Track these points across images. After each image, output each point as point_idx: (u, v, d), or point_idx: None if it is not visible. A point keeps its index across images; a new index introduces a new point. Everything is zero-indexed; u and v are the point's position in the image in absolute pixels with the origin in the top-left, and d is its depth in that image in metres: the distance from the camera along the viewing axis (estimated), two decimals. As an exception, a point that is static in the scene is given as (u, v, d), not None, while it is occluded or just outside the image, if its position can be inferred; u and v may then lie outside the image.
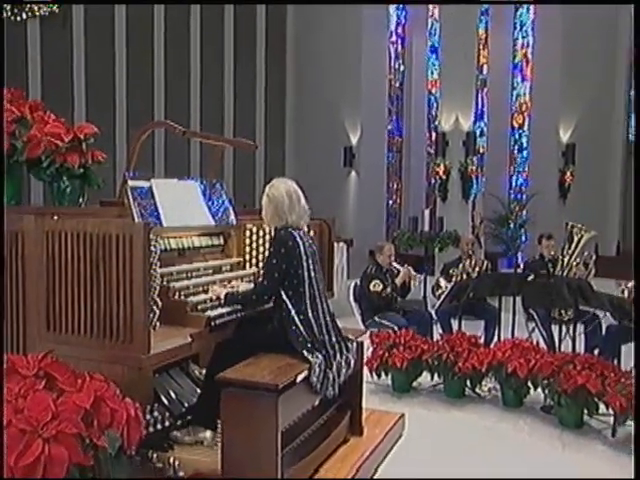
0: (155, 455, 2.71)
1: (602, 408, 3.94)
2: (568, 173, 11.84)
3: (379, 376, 4.72)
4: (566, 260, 5.82)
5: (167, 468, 2.68)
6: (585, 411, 4.02)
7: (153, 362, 2.57)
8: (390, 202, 13.70)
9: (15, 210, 3.04)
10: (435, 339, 5.08)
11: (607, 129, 12.15)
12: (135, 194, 3.11)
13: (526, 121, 13.06)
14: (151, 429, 2.74)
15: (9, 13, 9.60)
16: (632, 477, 2.51)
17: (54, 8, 10.10)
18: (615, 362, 4.59)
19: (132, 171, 3.20)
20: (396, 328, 5.20)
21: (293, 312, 2.92)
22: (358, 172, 12.64)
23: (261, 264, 3.59)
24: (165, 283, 2.98)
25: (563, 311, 5.60)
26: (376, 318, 5.58)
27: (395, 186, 13.86)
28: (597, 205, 11.80)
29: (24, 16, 9.85)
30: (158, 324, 2.72)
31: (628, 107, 12.29)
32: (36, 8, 9.90)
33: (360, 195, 12.68)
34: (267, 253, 3.08)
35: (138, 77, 11.49)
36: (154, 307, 2.65)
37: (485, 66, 13.24)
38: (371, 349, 4.73)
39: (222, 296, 3.06)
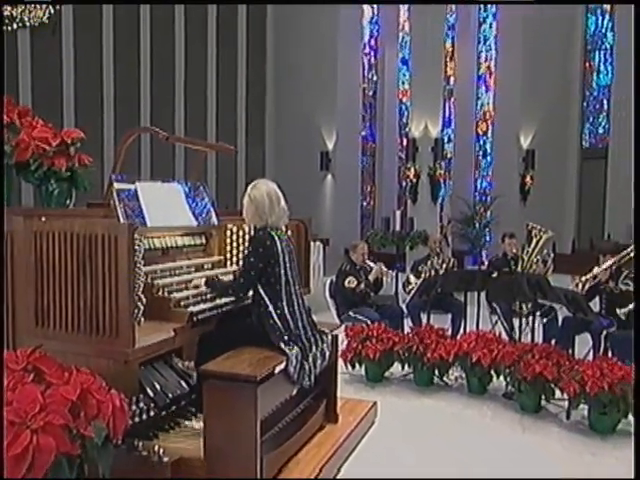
0: (141, 443, 2.68)
1: (558, 394, 4.01)
2: (528, 177, 12.03)
3: (353, 367, 4.74)
4: (526, 258, 5.90)
5: (152, 455, 2.66)
6: (543, 397, 4.09)
7: (138, 355, 2.55)
8: (364, 203, 13.77)
9: (4, 212, 2.99)
10: (406, 332, 5.11)
11: (563, 137, 12.37)
12: (121, 196, 3.07)
13: (490, 129, 13.23)
14: (137, 419, 2.72)
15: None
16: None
17: (44, 18, 9.97)
18: (570, 351, 4.67)
19: (118, 174, 3.16)
20: (369, 322, 5.22)
21: (270, 307, 2.92)
22: (334, 175, 12.68)
23: (241, 262, 3.58)
24: (149, 280, 2.95)
25: (523, 305, 5.67)
26: (350, 312, 5.60)
27: (369, 188, 13.93)
28: (555, 206, 12.01)
29: (14, 26, 9.74)
30: (143, 319, 2.70)
31: (582, 116, 12.53)
32: (26, 18, 9.77)
33: (336, 197, 12.71)
34: (245, 251, 3.06)
35: (125, 84, 11.36)
36: (138, 303, 2.63)
37: (452, 77, 13.38)
38: (346, 342, 4.75)
39: (202, 283, 3.06)
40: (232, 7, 12.66)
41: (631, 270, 4.92)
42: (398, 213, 9.65)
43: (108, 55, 11.22)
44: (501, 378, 4.38)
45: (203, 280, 3.09)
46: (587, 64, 12.44)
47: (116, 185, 3.06)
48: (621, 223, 11.59)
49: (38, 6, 9.95)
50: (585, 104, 12.51)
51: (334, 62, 12.40)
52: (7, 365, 2.23)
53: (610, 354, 4.41)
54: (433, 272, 6.31)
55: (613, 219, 11.78)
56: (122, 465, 2.43)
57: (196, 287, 3.12)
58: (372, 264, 5.87)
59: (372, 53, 13.72)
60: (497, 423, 3.98)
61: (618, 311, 4.61)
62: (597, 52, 12.34)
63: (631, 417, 3.72)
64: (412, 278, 6.37)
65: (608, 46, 12.13)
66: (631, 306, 4.58)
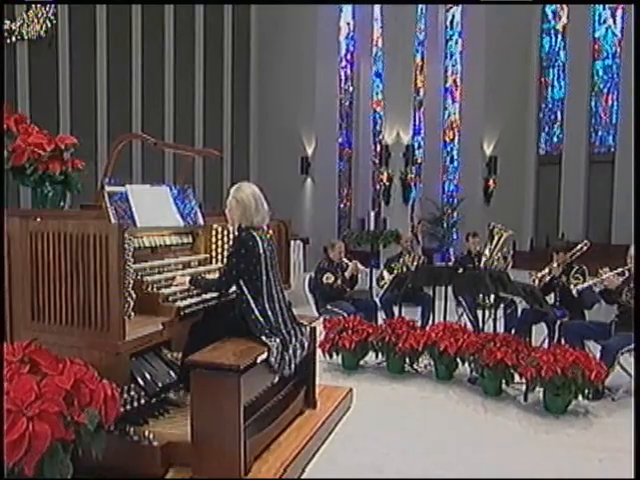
0: (132, 429, 2.67)
1: (517, 378, 4.07)
2: (491, 181, 12.15)
3: (331, 356, 4.74)
4: (488, 255, 5.96)
5: (143, 440, 2.65)
6: (503, 381, 4.14)
7: (128, 347, 2.53)
8: (341, 205, 13.77)
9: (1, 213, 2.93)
10: (379, 323, 5.12)
11: (522, 145, 12.54)
12: (113, 198, 3.04)
13: (456, 136, 13.34)
14: (128, 406, 2.70)
15: (-1, 37, 9.40)
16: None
17: (41, 32, 9.88)
18: (527, 340, 4.73)
19: (110, 177, 3.12)
20: (345, 314, 5.21)
21: (252, 303, 2.91)
22: (313, 179, 12.67)
23: (225, 260, 3.56)
24: (139, 277, 2.92)
25: (486, 298, 5.73)
26: (328, 306, 5.58)
27: (345, 191, 13.94)
28: (515, 208, 12.17)
29: (13, 39, 9.65)
30: (133, 314, 2.68)
31: (538, 126, 12.73)
32: (24, 32, 9.69)
33: (315, 199, 12.70)
34: (229, 251, 3.04)
35: (118, 93, 11.24)
36: (129, 299, 2.61)
37: (421, 89, 13.47)
38: (324, 333, 4.74)
39: (187, 282, 3.02)
40: (218, 24, 12.61)
41: (581, 266, 5.01)
42: (372, 214, 9.66)
43: (102, 66, 11.09)
44: (466, 365, 4.41)
45: (187, 278, 3.05)
46: (542, 79, 12.64)
47: (107, 188, 3.04)
48: (574, 223, 11.82)
49: (36, 20, 9.85)
50: (541, 115, 12.71)
51: (313, 74, 12.39)
52: (5, 357, 2.20)
53: (563, 341, 4.47)
54: (404, 268, 6.32)
55: (566, 219, 12.00)
56: (115, 449, 2.41)
57: (180, 284, 3.07)
58: (348, 262, 5.87)
59: (348, 66, 13.73)
60: (462, 406, 4.02)
61: (572, 287, 4.67)
62: (551, 69, 12.57)
63: (581, 398, 3.80)
64: (385, 274, 6.38)
65: (561, 63, 12.36)
66: (585, 284, 4.65)
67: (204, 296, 3.08)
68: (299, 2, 11.82)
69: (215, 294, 3.11)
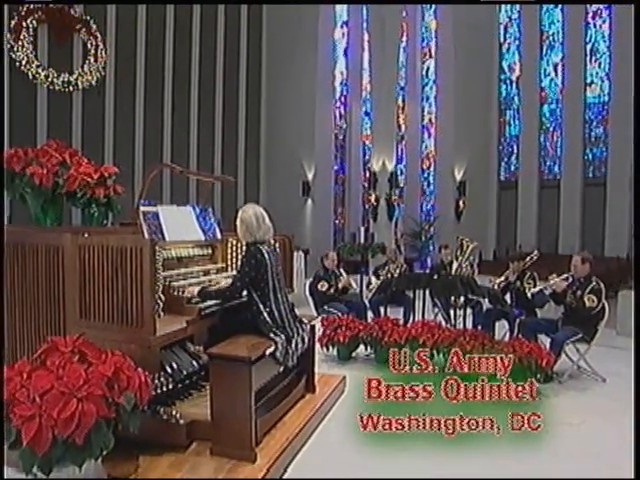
0: (162, 409, 2.68)
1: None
2: (461, 202, 12.24)
3: (328, 349, 4.71)
4: (458, 263, 5.97)
5: (171, 418, 2.66)
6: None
7: (159, 341, 2.54)
8: (336, 222, 13.82)
9: (56, 230, 2.98)
10: (368, 321, 5.10)
11: (486, 172, 12.66)
12: (146, 217, 3.08)
13: (432, 165, 13.45)
14: (158, 391, 2.70)
15: (60, 86, 10.09)
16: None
17: (92, 82, 10.31)
18: (491, 334, 4.73)
19: (144, 199, 3.16)
20: (340, 314, 5.17)
21: (261, 307, 2.90)
22: (313, 199, 12.74)
23: (237, 270, 3.57)
24: (167, 283, 2.94)
25: (457, 299, 5.72)
26: (325, 307, 5.54)
27: (340, 210, 14.00)
28: (480, 224, 12.24)
29: (71, 89, 10.21)
30: (162, 313, 2.69)
31: (499, 157, 12.86)
32: (79, 83, 10.19)
33: (314, 216, 12.76)
34: (241, 262, 3.03)
35: (151, 130, 11.44)
36: (158, 301, 2.63)
37: (403, 126, 13.60)
38: (322, 329, 4.72)
39: (196, 293, 2.94)
40: (234, 74, 12.85)
41: (533, 272, 5.03)
42: (362, 229, 9.69)
43: (139, 108, 11.32)
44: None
45: (196, 290, 2.94)
46: (501, 119, 12.84)
47: (142, 208, 3.07)
48: (528, 236, 11.88)
49: (89, 72, 10.33)
50: (501, 148, 12.87)
51: (313, 113, 12.52)
52: (58, 348, 2.23)
53: (520, 335, 4.48)
54: (389, 275, 6.28)
55: (523, 233, 12.08)
56: (148, 426, 2.42)
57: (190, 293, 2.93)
58: (344, 273, 5.80)
59: (342, 107, 13.87)
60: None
61: (527, 292, 4.68)
62: (508, 111, 12.78)
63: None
64: (373, 279, 6.35)
65: (515, 107, 12.58)
66: (535, 289, 4.65)
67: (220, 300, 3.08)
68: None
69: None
